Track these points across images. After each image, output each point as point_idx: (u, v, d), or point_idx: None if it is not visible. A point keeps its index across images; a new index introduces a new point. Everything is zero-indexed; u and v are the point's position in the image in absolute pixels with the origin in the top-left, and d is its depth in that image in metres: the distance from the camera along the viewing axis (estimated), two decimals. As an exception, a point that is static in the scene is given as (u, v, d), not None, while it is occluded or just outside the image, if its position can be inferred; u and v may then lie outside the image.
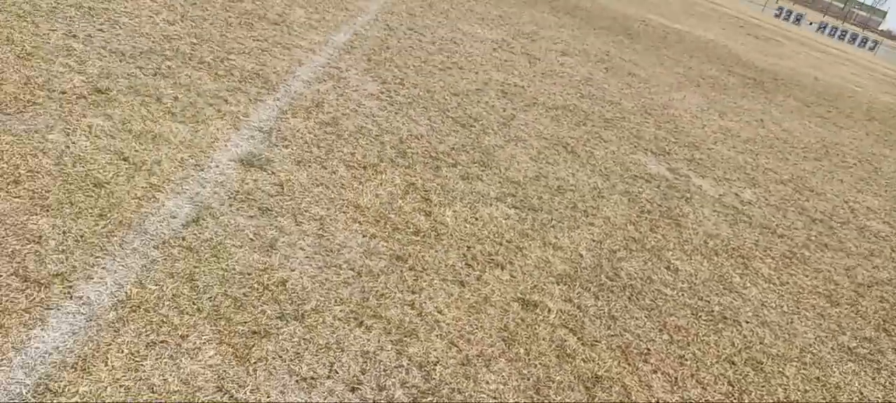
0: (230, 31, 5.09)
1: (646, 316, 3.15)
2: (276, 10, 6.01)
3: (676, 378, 2.79)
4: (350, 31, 6.20)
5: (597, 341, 2.87)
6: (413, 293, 2.81)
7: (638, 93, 7.38)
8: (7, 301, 2.07)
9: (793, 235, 4.64)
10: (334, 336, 2.44)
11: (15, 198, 2.53)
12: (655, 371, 2.79)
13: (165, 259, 2.48)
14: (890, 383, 3.21)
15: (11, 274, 2.18)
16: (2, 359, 1.90)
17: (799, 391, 2.96)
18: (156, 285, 2.34)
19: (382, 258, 2.97)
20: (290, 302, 2.52)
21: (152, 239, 2.57)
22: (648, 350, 2.92)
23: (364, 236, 3.08)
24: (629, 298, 3.26)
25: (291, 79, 4.60)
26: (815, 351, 3.29)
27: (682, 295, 3.43)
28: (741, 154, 6.25)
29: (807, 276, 4.05)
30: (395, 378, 2.34)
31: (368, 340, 2.47)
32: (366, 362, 2.37)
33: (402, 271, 2.92)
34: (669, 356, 2.92)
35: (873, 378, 3.21)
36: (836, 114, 9.71)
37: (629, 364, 2.79)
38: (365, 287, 2.74)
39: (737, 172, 5.65)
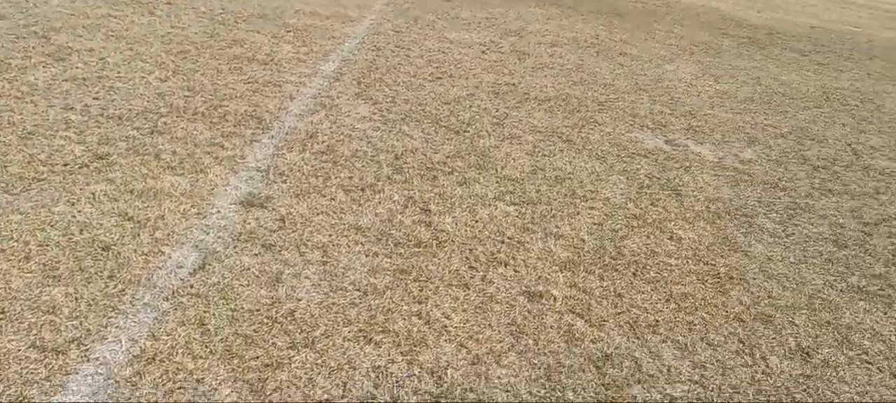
0: (221, 78, 5.23)
1: (652, 289, 3.20)
2: (264, 51, 6.15)
3: (686, 344, 2.83)
4: (338, 58, 6.32)
5: (604, 320, 2.92)
6: (419, 303, 2.89)
7: (630, 71, 7.41)
8: (27, 373, 2.19)
9: (796, 186, 4.65)
10: (345, 356, 2.53)
11: (28, 273, 2.66)
12: (665, 341, 2.84)
13: (175, 309, 2.59)
14: (903, 317, 3.23)
15: (29, 347, 2.30)
16: (31, 425, 2.01)
17: (810, 336, 2.98)
18: (168, 335, 2.45)
19: (387, 274, 3.06)
20: (299, 330, 2.62)
21: (162, 292, 2.68)
22: (657, 321, 2.97)
23: (367, 256, 3.17)
24: (634, 274, 3.31)
25: (284, 116, 4.72)
26: (824, 296, 3.31)
27: (687, 262, 3.47)
28: (739, 114, 6.26)
29: (812, 224, 4.06)
30: (407, 387, 2.42)
31: (379, 355, 2.56)
32: (378, 376, 2.45)
33: (406, 283, 3.00)
34: (678, 324, 2.97)
35: (885, 313, 3.22)
36: (834, 58, 9.63)
37: (638, 338, 2.84)
38: (371, 305, 2.83)
39: (735, 133, 5.66)
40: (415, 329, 2.72)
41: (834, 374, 2.77)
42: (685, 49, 8.96)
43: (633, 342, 2.81)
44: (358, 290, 2.91)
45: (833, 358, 2.86)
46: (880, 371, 2.82)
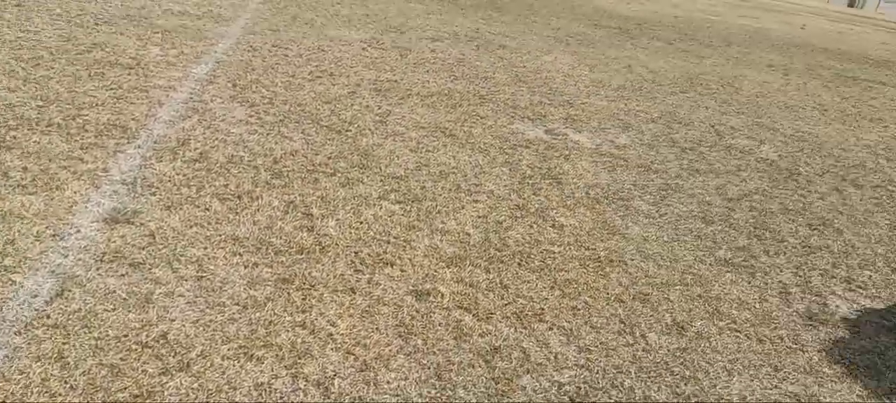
0: (79, 85, 4.84)
1: (537, 278, 3.25)
2: (129, 54, 5.77)
3: (571, 329, 2.90)
4: (211, 60, 6.03)
5: (492, 313, 2.94)
6: (303, 312, 2.79)
7: (510, 63, 7.56)
8: None
9: (667, 168, 4.89)
10: (224, 376, 2.39)
11: None
12: (551, 328, 2.89)
13: (29, 343, 2.35)
14: (764, 283, 3.46)
15: None
16: None
17: (684, 310, 3.13)
18: (21, 373, 2.22)
19: (267, 285, 2.93)
20: (173, 354, 2.45)
21: (13, 326, 2.43)
22: (542, 309, 3.02)
23: (246, 267, 3.03)
24: (519, 264, 3.35)
25: (152, 123, 4.43)
26: (695, 271, 3.49)
27: (570, 248, 3.56)
28: (613, 101, 6.52)
29: (682, 203, 4.29)
30: (293, 402, 2.32)
31: (261, 371, 2.44)
32: (261, 394, 2.34)
33: (289, 293, 2.89)
34: (563, 310, 3.03)
35: (749, 283, 3.45)
36: (697, 46, 10.27)
37: (526, 328, 2.87)
38: (252, 318, 2.70)
39: (611, 120, 5.89)
40: (299, 340, 2.62)
41: (707, 345, 2.92)
42: (561, 40, 9.25)
43: (521, 332, 2.84)
44: (237, 304, 2.77)
45: (706, 330, 3.02)
46: (748, 337, 3.01)
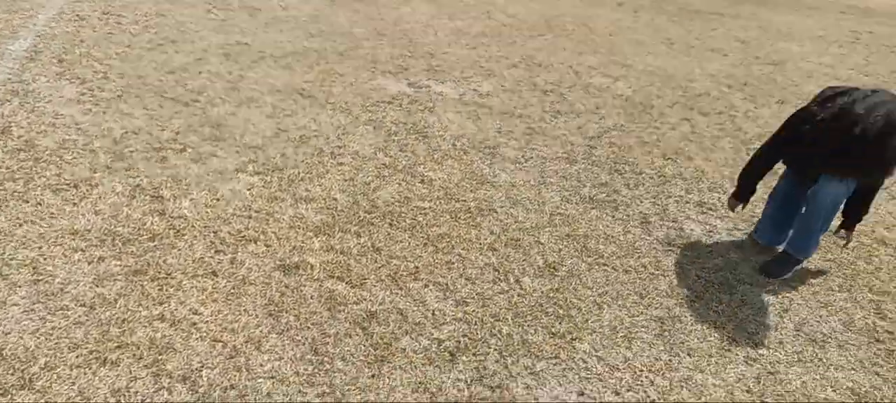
0: None
1: (409, 236, 3.19)
2: (-73, 35, 5.03)
3: (447, 284, 2.87)
4: (31, 34, 5.39)
5: (365, 278, 2.85)
6: (160, 304, 2.57)
7: (368, 17, 7.34)
8: None
9: (529, 112, 4.96)
10: (75, 387, 2.16)
11: None
12: (426, 286, 2.85)
13: None
14: (626, 216, 3.60)
15: None
16: None
17: (554, 251, 3.20)
18: None
19: (117, 279, 2.67)
20: (11, 371, 2.18)
21: None
22: (417, 268, 2.97)
23: (90, 263, 2.74)
24: (390, 224, 3.28)
25: (-36, 112, 3.90)
26: (562, 211, 3.57)
27: (440, 203, 3.52)
28: (474, 49, 6.51)
29: (547, 146, 4.36)
30: (155, 403, 2.14)
31: (118, 375, 2.23)
32: (119, 400, 2.13)
33: (143, 285, 2.65)
34: (437, 265, 3.00)
35: (613, 217, 3.57)
36: (550, -13, 10.48)
37: (401, 289, 2.81)
38: (102, 319, 2.45)
39: (473, 69, 5.88)
40: (158, 335, 2.42)
41: (578, 282, 3.00)
42: (418, -10, 9.11)
43: (396, 294, 2.78)
44: (83, 306, 2.51)
45: (576, 268, 3.10)
46: (614, 270, 3.12)
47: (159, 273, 2.74)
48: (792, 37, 8.66)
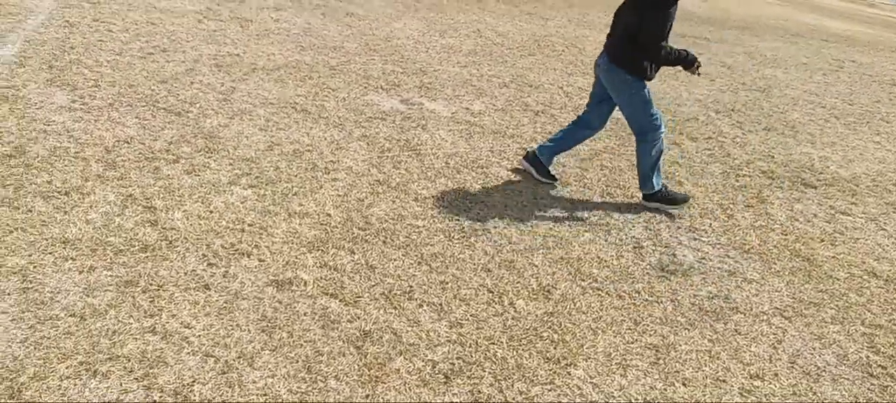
0: None
1: (403, 255, 3.19)
2: (-86, 35, 4.96)
3: (441, 305, 2.87)
4: (20, 39, 5.33)
5: (359, 296, 2.84)
6: (152, 316, 2.54)
7: (359, 32, 7.36)
8: None
9: (521, 133, 4.99)
10: (65, 398, 2.13)
11: None
12: (421, 306, 2.84)
13: None
14: (619, 240, 3.62)
15: None
16: None
17: (548, 274, 3.21)
18: None
19: (108, 290, 2.64)
20: (-2, 381, 2.14)
21: None
22: (411, 287, 2.96)
23: (81, 272, 2.71)
24: (384, 242, 3.27)
25: (-49, 115, 3.84)
26: (555, 234, 3.58)
27: (434, 221, 3.53)
28: (465, 68, 6.55)
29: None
30: (146, 419, 2.11)
31: (108, 388, 2.19)
32: (109, 414, 2.10)
33: (134, 297, 2.62)
34: (431, 285, 2.99)
35: (606, 240, 3.60)
36: (541, 7, 10.57)
37: (395, 308, 2.80)
38: (92, 330, 2.42)
39: (464, 87, 5.91)
40: (150, 347, 2.39)
41: (572, 306, 3.01)
42: (409, 6, 9.15)
43: (391, 313, 2.77)
44: (73, 316, 2.47)
45: (570, 291, 3.11)
46: (609, 294, 3.13)
47: (151, 284, 2.71)
48: (777, 63, 8.81)
